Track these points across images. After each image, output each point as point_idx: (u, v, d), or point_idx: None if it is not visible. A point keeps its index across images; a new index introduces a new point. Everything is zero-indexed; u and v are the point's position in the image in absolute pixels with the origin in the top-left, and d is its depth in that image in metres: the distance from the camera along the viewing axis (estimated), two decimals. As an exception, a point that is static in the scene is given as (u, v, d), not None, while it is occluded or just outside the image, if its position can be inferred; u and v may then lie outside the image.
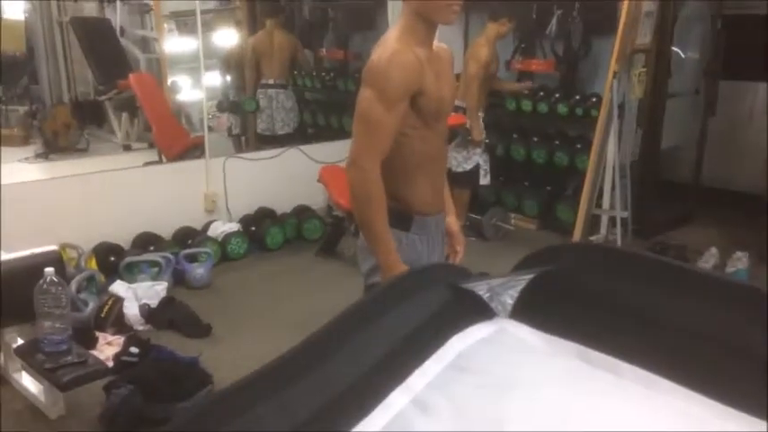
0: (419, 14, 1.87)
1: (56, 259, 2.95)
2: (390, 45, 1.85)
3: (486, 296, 0.84)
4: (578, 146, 5.08)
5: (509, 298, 0.83)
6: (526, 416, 0.68)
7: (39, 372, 2.76)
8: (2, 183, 4.44)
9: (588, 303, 0.81)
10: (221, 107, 6.32)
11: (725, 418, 0.67)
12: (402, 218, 1.98)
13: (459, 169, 4.80)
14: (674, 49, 5.16)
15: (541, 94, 5.32)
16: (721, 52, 5.26)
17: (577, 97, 5.15)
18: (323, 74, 7.05)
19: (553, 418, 0.68)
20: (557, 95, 5.22)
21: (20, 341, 3.04)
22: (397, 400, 0.70)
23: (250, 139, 6.34)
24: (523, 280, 0.83)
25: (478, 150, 4.79)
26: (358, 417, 0.67)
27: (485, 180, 4.94)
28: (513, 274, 0.85)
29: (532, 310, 0.82)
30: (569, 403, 0.70)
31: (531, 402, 0.70)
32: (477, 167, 4.82)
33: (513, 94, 5.29)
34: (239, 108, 6.33)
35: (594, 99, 5.01)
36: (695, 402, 0.68)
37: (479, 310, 0.84)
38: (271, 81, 6.02)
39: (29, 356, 2.80)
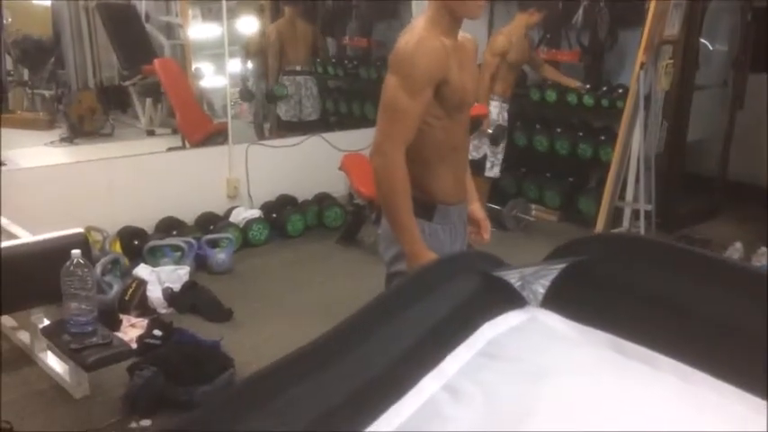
0: (446, 8, 1.87)
1: (82, 242, 2.99)
2: (417, 33, 1.86)
3: (517, 285, 0.84)
4: (602, 137, 5.04)
5: (540, 287, 0.83)
6: (557, 404, 0.68)
7: (64, 352, 2.81)
8: (28, 166, 4.52)
9: (620, 294, 0.81)
10: (242, 95, 6.36)
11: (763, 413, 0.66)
12: (425, 207, 1.98)
13: (468, 157, 4.80)
14: (703, 40, 5.09)
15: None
16: (750, 45, 5.17)
17: (604, 88, 5.09)
18: (345, 62, 7.04)
19: (585, 408, 0.68)
20: (587, 86, 5.15)
21: (46, 321, 3.10)
22: (429, 386, 0.70)
23: (272, 125, 6.36)
24: (555, 269, 0.83)
25: (487, 141, 4.77)
26: (390, 401, 0.67)
27: (491, 173, 4.90)
28: (544, 263, 0.85)
29: (564, 300, 0.82)
30: (602, 393, 0.70)
31: (562, 391, 0.70)
32: (484, 158, 4.81)
33: (562, 85, 5.20)
34: (255, 96, 6.35)
35: (620, 90, 4.95)
36: (732, 396, 0.67)
37: (511, 299, 0.84)
38: (298, 68, 6.03)
39: (55, 337, 2.85)
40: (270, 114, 6.36)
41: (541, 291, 0.83)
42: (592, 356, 0.75)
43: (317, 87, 6.26)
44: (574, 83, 5.08)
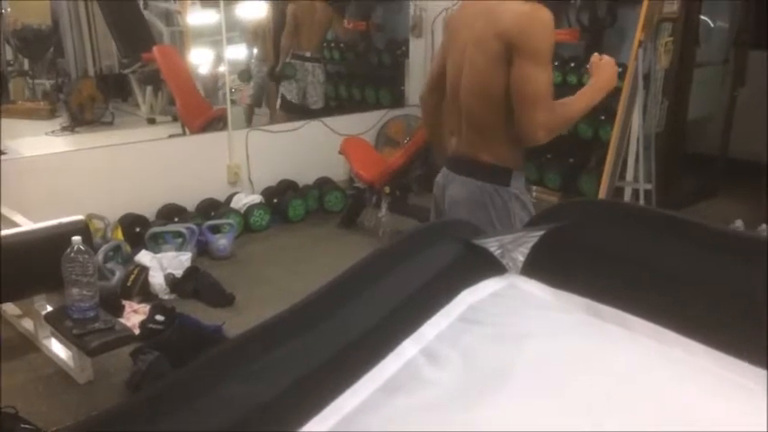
0: None
1: (82, 228, 3.01)
2: (537, 6, 1.98)
3: (497, 252, 0.85)
4: (602, 117, 5.02)
5: (520, 254, 0.84)
6: (535, 365, 0.69)
7: (67, 337, 2.83)
8: (29, 155, 4.54)
9: (598, 258, 0.81)
10: (243, 77, 6.33)
11: (736, 371, 0.67)
12: (507, 174, 2.10)
13: None
14: (703, 17, 5.05)
15: (572, 65, 5.23)
16: (752, 21, 5.13)
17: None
18: (341, 45, 7.03)
19: (562, 368, 0.69)
20: (587, 66, 5.11)
21: (49, 308, 3.13)
22: (407, 350, 0.72)
23: (272, 109, 6.34)
24: (534, 237, 0.84)
25: None
26: (369, 365, 0.69)
27: None
28: (524, 231, 0.86)
29: (543, 266, 0.83)
30: (578, 354, 0.71)
31: (539, 353, 0.71)
32: None
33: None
34: (253, 78, 6.31)
35: (620, 69, 4.90)
36: (705, 355, 0.69)
37: (490, 266, 0.85)
38: (307, 54, 5.95)
39: (58, 323, 2.87)
40: (269, 99, 6.33)
41: (521, 258, 0.84)
42: (569, 320, 0.76)
43: (324, 74, 6.21)
44: None
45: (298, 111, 5.92)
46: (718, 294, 0.71)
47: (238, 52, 6.47)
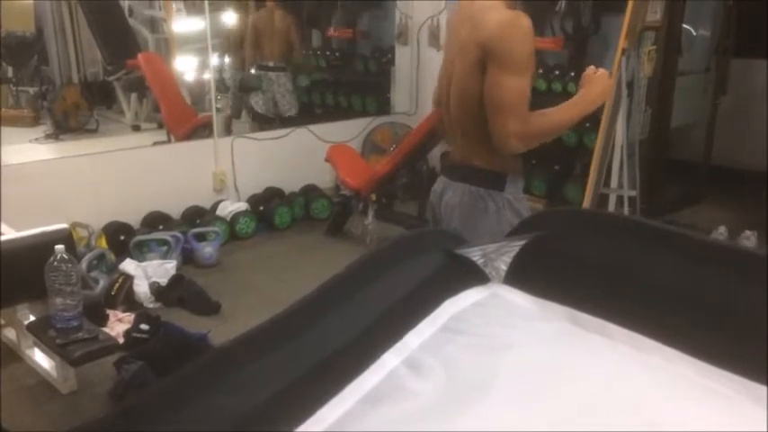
0: None
1: (66, 237, 2.99)
2: (514, 13, 1.92)
3: (480, 262, 0.85)
4: (587, 124, 5.05)
5: (503, 264, 0.85)
6: (517, 374, 0.70)
7: (50, 347, 2.81)
8: (13, 162, 4.49)
9: (578, 267, 0.82)
10: (219, 88, 6.33)
11: (713, 379, 0.68)
12: (499, 178, 2.08)
13: None
14: (686, 26, 5.11)
15: (557, 73, 5.27)
16: (733, 30, 5.20)
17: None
18: (327, 53, 7.03)
19: (543, 377, 0.69)
20: (572, 74, 5.17)
21: (32, 318, 3.10)
22: (390, 361, 0.72)
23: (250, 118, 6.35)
24: (517, 246, 0.84)
25: None
26: (352, 375, 0.69)
27: None
28: (507, 240, 0.87)
29: (525, 275, 0.84)
30: (559, 363, 0.72)
31: (521, 362, 0.72)
32: None
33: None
34: (230, 88, 6.31)
35: (604, 77, 4.95)
36: (683, 363, 0.69)
37: (473, 276, 0.85)
38: (271, 63, 5.98)
39: (40, 332, 2.85)
40: (245, 108, 6.32)
41: (503, 267, 0.85)
42: (551, 329, 0.76)
43: (292, 81, 6.22)
44: None
45: (270, 121, 5.93)
46: (700, 305, 0.72)
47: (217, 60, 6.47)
